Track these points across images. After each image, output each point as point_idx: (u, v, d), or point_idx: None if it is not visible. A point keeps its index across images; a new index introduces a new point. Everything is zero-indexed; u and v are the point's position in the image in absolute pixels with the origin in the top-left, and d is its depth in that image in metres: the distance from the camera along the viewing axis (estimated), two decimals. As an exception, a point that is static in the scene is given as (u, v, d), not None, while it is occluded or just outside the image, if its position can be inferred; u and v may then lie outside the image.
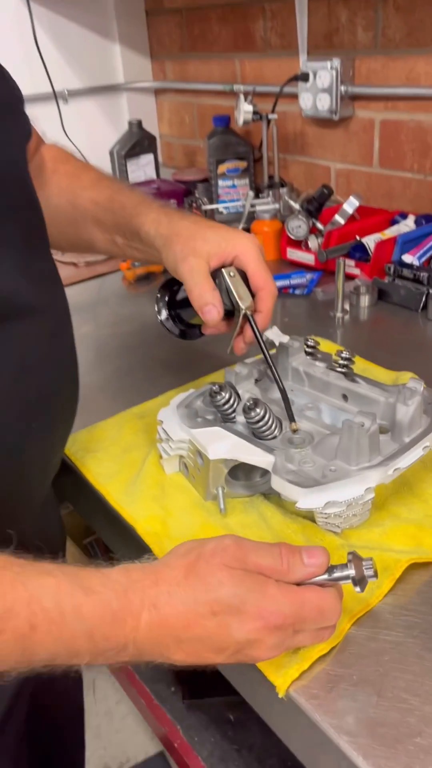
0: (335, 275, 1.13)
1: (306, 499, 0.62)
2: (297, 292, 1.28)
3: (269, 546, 0.53)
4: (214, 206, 1.62)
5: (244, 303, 0.75)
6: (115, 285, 1.41)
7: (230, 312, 0.76)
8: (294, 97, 1.56)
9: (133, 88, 2.03)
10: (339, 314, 1.14)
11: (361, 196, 1.36)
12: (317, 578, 0.53)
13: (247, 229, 1.48)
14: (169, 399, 0.87)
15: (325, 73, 1.47)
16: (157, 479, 0.77)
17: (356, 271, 1.28)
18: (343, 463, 0.66)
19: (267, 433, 0.71)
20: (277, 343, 1.03)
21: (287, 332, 1.16)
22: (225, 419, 0.76)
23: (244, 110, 1.50)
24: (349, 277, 1.27)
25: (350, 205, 1.36)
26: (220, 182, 1.67)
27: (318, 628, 0.53)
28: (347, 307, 1.18)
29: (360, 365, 0.98)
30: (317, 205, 1.37)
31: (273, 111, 1.55)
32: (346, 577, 0.54)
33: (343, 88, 1.47)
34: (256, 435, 0.72)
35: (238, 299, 0.75)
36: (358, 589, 0.54)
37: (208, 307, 0.72)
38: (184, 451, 0.75)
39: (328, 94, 1.48)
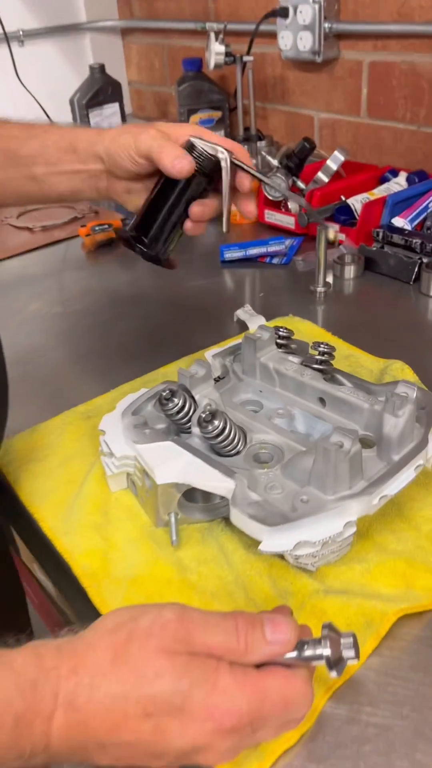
0: (316, 242, 0.99)
1: (271, 540, 0.51)
2: (275, 261, 1.14)
3: (222, 618, 0.42)
4: (185, 162, 1.46)
5: (221, 151, 0.65)
6: (73, 253, 1.26)
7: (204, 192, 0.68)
8: (272, 36, 1.38)
9: (96, 28, 1.84)
10: (320, 289, 1.01)
11: (347, 151, 1.20)
12: (284, 657, 0.42)
13: (221, 189, 1.33)
14: (125, 394, 0.75)
15: (306, 7, 1.29)
16: (100, 500, 0.65)
17: (341, 237, 1.14)
18: (317, 491, 0.54)
19: (228, 448, 0.59)
20: (250, 326, 0.91)
21: (262, 311, 1.03)
22: (180, 429, 0.64)
23: (215, 51, 1.33)
24: (333, 244, 1.13)
25: (335, 161, 1.20)
26: (192, 135, 1.50)
27: (283, 722, 0.42)
28: (330, 279, 1.05)
29: (343, 351, 0.85)
30: (298, 161, 1.22)
31: (248, 52, 1.38)
32: (320, 657, 0.42)
33: (327, 25, 1.30)
34: (215, 451, 0.60)
35: (216, 149, 0.65)
36: (333, 674, 0.42)
37: (178, 158, 0.62)
38: (131, 468, 0.62)
39: (311, 32, 1.31)
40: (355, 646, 0.43)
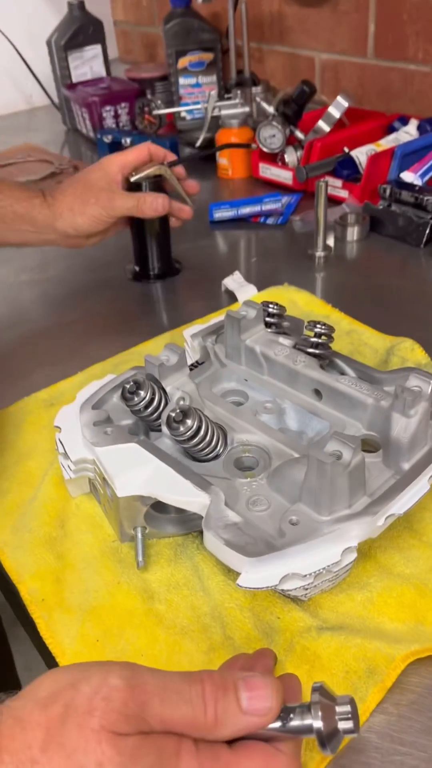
0: (315, 201, 0.87)
1: (252, 574, 0.41)
2: (270, 221, 1.03)
3: (184, 682, 0.32)
4: (173, 110, 1.33)
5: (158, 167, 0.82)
6: (48, 213, 1.14)
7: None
8: (269, -35, 1.24)
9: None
10: (320, 253, 0.89)
11: (352, 95, 1.08)
12: (265, 729, 0.33)
13: (210, 140, 1.20)
14: (95, 377, 0.65)
15: None
16: (57, 507, 0.55)
17: (344, 194, 1.02)
18: (310, 510, 0.44)
19: (204, 452, 0.49)
20: (239, 297, 0.80)
21: (254, 278, 0.91)
22: (149, 427, 0.54)
23: (205, -18, 1.19)
24: (335, 202, 1.01)
25: (337, 108, 1.08)
26: (182, 80, 1.36)
27: None
28: (331, 242, 0.94)
29: (344, 326, 0.74)
30: (296, 108, 1.09)
31: (242, -16, 1.23)
32: (309, 730, 0.33)
33: None
34: (189, 454, 0.50)
35: (152, 168, 0.81)
36: (327, 751, 0.33)
37: (156, 205, 0.79)
38: (90, 473, 0.53)
39: (312, -40, 1.16)
40: (354, 715, 0.33)
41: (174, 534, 0.52)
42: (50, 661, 0.46)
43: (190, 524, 0.52)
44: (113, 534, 0.53)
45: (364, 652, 0.42)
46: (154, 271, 0.89)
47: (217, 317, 0.69)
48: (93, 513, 0.55)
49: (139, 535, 0.50)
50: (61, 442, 0.53)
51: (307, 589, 0.43)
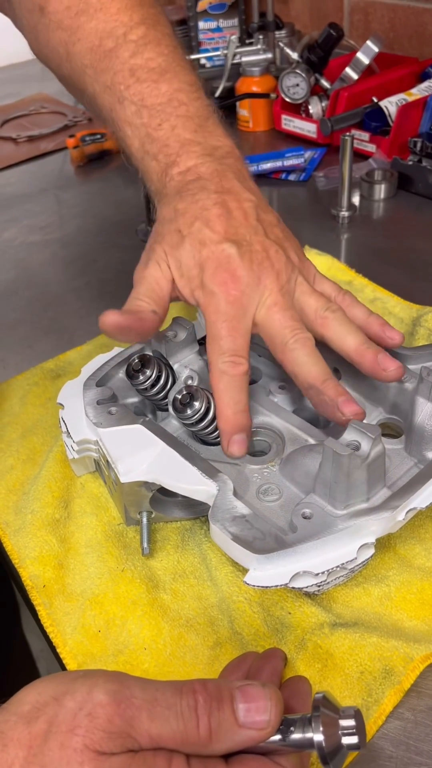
0: (339, 156, 0.81)
1: (261, 571, 0.38)
2: (291, 177, 0.97)
3: (175, 694, 0.30)
4: (192, 57, 1.26)
5: None
6: (60, 168, 1.10)
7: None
8: None
9: None
10: (344, 213, 0.84)
11: (382, 39, 1.00)
12: (264, 742, 0.31)
13: (230, 89, 1.14)
14: (103, 347, 0.62)
15: None
16: (61, 487, 0.53)
17: (371, 148, 0.96)
18: (324, 502, 0.41)
19: (212, 435, 0.46)
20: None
21: None
22: (156, 406, 0.51)
23: None
24: (361, 156, 0.95)
25: (367, 53, 1.00)
26: (201, 24, 1.28)
27: None
28: (356, 200, 0.88)
29: (368, 293, 0.70)
30: (322, 54, 1.02)
31: None
32: (310, 744, 0.31)
33: None
34: (197, 437, 0.47)
35: None
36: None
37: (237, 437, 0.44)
38: (95, 454, 0.50)
39: None
40: (359, 729, 0.31)
41: (181, 518, 0.49)
42: (54, 649, 0.44)
43: (198, 508, 0.49)
44: (119, 516, 0.51)
45: (381, 652, 0.40)
46: None
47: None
48: (98, 494, 0.52)
49: (145, 520, 0.47)
50: (64, 421, 0.50)
51: (319, 586, 0.40)
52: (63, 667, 0.43)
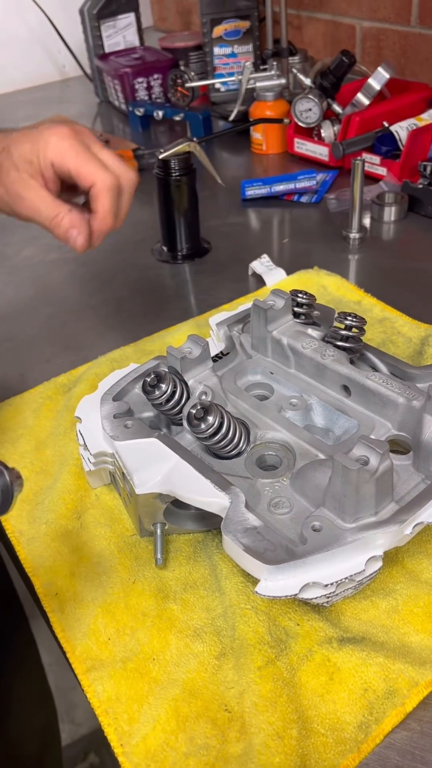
0: (351, 180, 0.83)
1: (271, 582, 0.39)
2: (303, 199, 0.99)
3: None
4: (206, 82, 1.29)
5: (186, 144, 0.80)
6: (78, 189, 1.12)
7: None
8: None
9: None
10: (355, 234, 0.86)
11: (393, 66, 1.03)
12: None
13: (244, 113, 1.17)
14: (115, 362, 0.63)
15: None
16: (75, 498, 0.54)
17: (382, 171, 0.98)
18: (334, 515, 0.42)
19: (226, 450, 0.48)
20: (266, 281, 0.77)
21: (285, 260, 0.88)
22: (170, 420, 0.52)
23: None
24: (372, 179, 0.97)
25: (378, 79, 1.03)
26: (216, 49, 1.32)
27: None
28: (367, 222, 0.90)
29: (377, 313, 0.71)
30: (334, 80, 1.04)
31: None
32: None
33: None
34: (211, 451, 0.48)
35: (180, 145, 0.80)
36: None
37: (72, 237, 0.56)
38: (110, 466, 0.52)
39: None
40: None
41: (194, 530, 0.50)
42: (65, 653, 0.45)
43: (210, 521, 0.50)
44: (132, 528, 0.52)
45: (387, 672, 0.40)
46: (182, 252, 0.86)
47: (244, 304, 0.67)
48: (112, 506, 0.54)
49: (158, 531, 0.48)
50: (81, 434, 0.51)
51: (328, 597, 0.41)
52: (73, 674, 0.44)
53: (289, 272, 0.79)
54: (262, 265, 0.78)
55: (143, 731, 0.40)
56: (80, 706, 1.23)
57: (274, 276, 0.76)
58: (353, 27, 1.26)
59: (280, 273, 0.77)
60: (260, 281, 0.79)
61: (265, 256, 0.80)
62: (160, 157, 0.79)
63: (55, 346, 0.74)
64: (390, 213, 0.90)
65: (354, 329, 0.52)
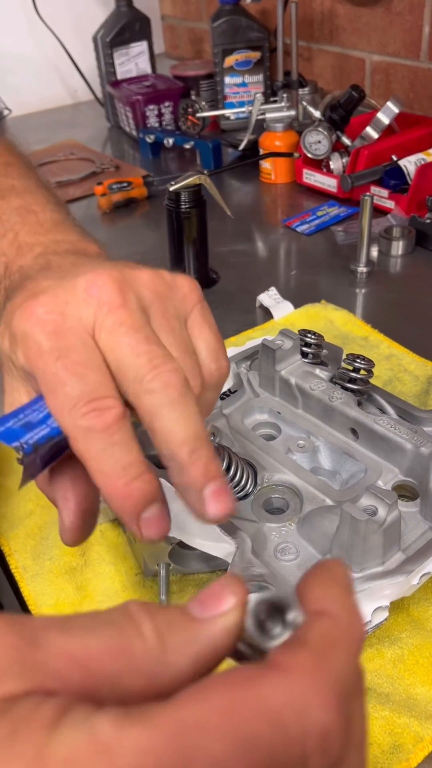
0: (359, 213, 0.84)
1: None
2: (299, 229, 1.00)
3: (94, 613, 0.20)
4: (217, 112, 1.30)
5: (196, 177, 0.81)
6: (88, 215, 1.13)
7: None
8: (322, -37, 1.20)
9: None
10: (362, 268, 0.86)
11: (402, 101, 1.04)
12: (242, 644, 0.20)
13: (254, 142, 1.18)
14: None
15: None
16: (81, 535, 0.54)
17: (390, 204, 0.99)
18: (340, 564, 0.42)
19: (234, 491, 0.47)
20: (274, 315, 0.78)
21: (292, 292, 0.87)
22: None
23: (255, -19, 1.16)
24: (380, 212, 0.98)
25: (387, 113, 1.04)
26: (227, 79, 1.33)
27: None
28: (374, 254, 0.90)
29: (384, 350, 0.72)
30: (344, 113, 1.05)
31: (293, -18, 1.19)
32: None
33: None
34: (216, 491, 0.48)
35: (191, 177, 0.81)
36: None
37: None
38: (115, 504, 0.51)
39: (367, -42, 1.12)
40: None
41: (199, 571, 0.50)
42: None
43: (216, 561, 0.50)
44: (136, 566, 0.52)
45: (392, 727, 0.40)
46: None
47: (251, 338, 0.67)
48: (117, 543, 0.54)
49: (163, 572, 0.48)
50: (86, 471, 0.51)
51: (333, 646, 0.41)
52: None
53: (296, 304, 0.79)
54: (269, 297, 0.78)
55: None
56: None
57: (281, 309, 0.77)
58: (363, 60, 1.28)
59: (288, 306, 0.77)
60: (268, 313, 0.79)
61: (272, 288, 0.80)
62: (171, 189, 0.80)
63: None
64: (398, 247, 0.91)
65: (362, 371, 0.52)
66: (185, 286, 0.35)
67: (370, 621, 0.40)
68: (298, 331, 0.56)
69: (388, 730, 0.39)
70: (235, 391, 0.56)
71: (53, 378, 0.30)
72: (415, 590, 0.46)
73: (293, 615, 0.19)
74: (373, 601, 0.40)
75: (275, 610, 0.19)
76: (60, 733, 0.15)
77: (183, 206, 0.81)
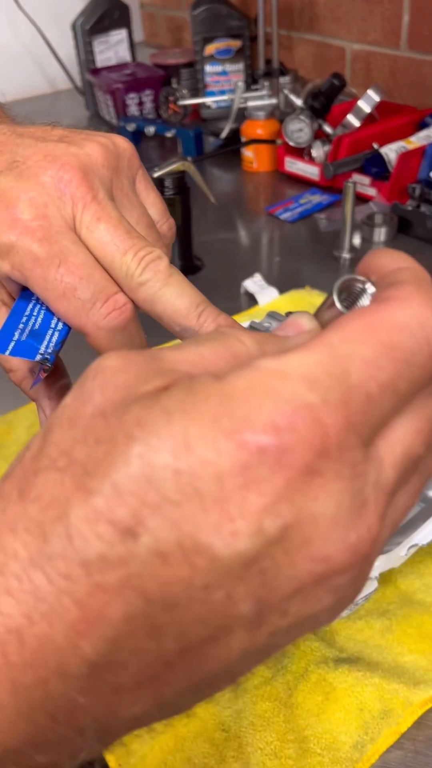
0: (342, 201, 0.85)
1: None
2: (284, 216, 1.00)
3: (202, 335, 0.24)
4: (198, 100, 1.30)
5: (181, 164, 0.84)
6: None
7: None
8: None
9: None
10: (345, 255, 0.87)
11: (383, 89, 1.05)
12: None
13: (236, 131, 1.18)
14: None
15: None
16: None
17: (371, 192, 1.00)
18: (330, 537, 0.43)
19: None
20: (259, 300, 0.78)
21: (276, 279, 0.86)
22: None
23: (235, -31, 1.16)
24: (362, 200, 0.99)
25: (368, 102, 1.05)
26: (208, 67, 1.33)
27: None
28: (357, 241, 0.91)
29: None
30: (325, 101, 1.06)
31: (274, -30, 1.20)
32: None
33: None
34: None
35: (175, 164, 0.84)
36: None
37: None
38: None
39: None
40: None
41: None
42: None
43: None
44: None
45: (382, 693, 0.41)
46: (196, 267, 0.87)
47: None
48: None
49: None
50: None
51: (324, 617, 0.42)
52: None
53: (280, 291, 0.80)
54: (254, 284, 0.79)
55: (142, 751, 0.40)
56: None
57: (266, 295, 0.78)
58: (343, 49, 1.28)
59: (273, 292, 0.78)
60: (253, 300, 0.80)
61: (257, 274, 0.81)
62: (155, 176, 0.80)
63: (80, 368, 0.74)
64: (380, 234, 0.92)
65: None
66: (127, 150, 0.35)
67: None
68: (285, 313, 0.57)
69: (378, 696, 0.41)
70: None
71: (60, 285, 0.31)
72: (403, 563, 0.47)
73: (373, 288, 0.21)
74: (362, 573, 0.41)
75: (359, 290, 0.22)
76: (231, 374, 0.17)
77: (167, 193, 0.82)
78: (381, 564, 0.41)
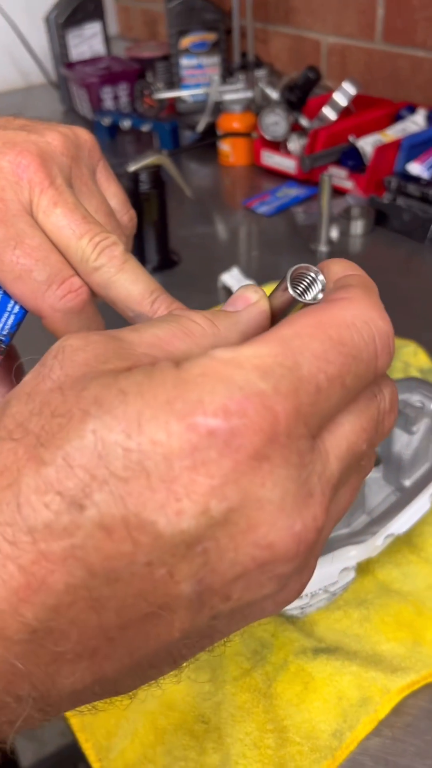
0: (318, 194, 0.85)
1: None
2: (262, 209, 1.00)
3: (157, 318, 0.24)
4: (174, 93, 1.30)
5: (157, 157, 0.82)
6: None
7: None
8: None
9: None
10: (322, 248, 0.88)
11: (359, 82, 1.05)
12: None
13: (212, 124, 1.18)
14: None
15: None
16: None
17: (348, 185, 1.00)
18: (308, 528, 0.43)
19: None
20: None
21: (254, 272, 0.86)
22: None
23: (210, -39, 1.15)
24: (339, 192, 0.99)
25: (343, 95, 1.05)
26: (183, 61, 1.33)
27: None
28: (335, 235, 0.92)
29: (345, 326, 0.73)
30: (301, 95, 1.06)
31: (248, -37, 1.19)
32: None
33: None
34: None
35: (150, 157, 0.82)
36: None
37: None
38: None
39: None
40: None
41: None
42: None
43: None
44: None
45: (360, 681, 0.41)
46: (152, 264, 0.87)
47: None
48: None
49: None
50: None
51: (302, 608, 0.42)
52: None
53: (258, 284, 0.79)
54: (232, 277, 0.79)
55: (121, 745, 0.40)
56: (46, 725, 1.22)
57: (244, 288, 0.77)
58: (318, 42, 1.28)
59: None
60: (230, 293, 0.80)
61: (235, 268, 0.81)
62: (131, 170, 0.80)
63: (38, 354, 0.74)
64: (357, 226, 0.92)
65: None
66: (87, 141, 0.36)
67: (337, 582, 0.41)
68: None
69: (356, 685, 0.41)
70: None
71: (17, 267, 0.31)
72: (380, 553, 0.47)
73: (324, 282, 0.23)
74: (339, 563, 0.41)
75: (310, 279, 0.23)
76: (187, 362, 0.18)
77: (142, 187, 0.81)
78: (358, 553, 0.42)
